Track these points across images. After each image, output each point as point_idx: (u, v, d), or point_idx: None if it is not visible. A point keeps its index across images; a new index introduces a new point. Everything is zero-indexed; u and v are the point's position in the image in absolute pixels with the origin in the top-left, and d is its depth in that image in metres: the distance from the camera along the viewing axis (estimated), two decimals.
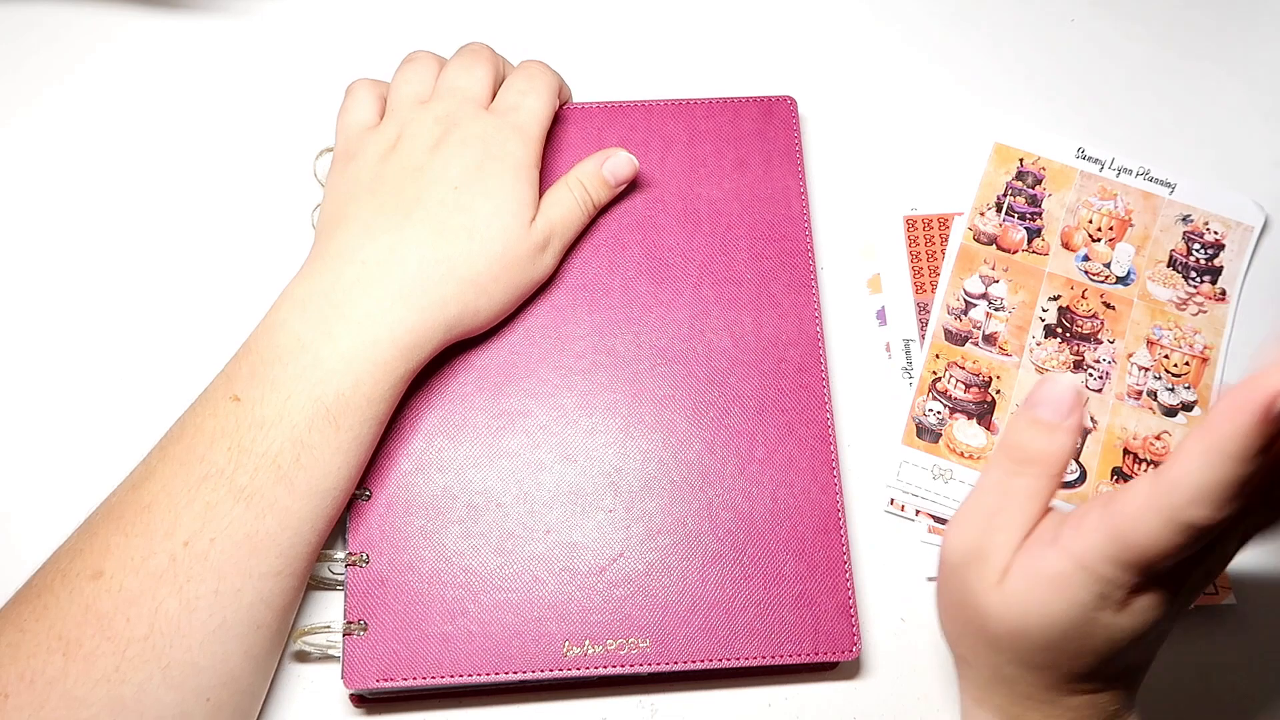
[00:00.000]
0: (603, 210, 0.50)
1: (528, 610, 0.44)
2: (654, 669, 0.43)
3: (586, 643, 0.43)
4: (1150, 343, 0.51)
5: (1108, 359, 0.51)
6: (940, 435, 0.49)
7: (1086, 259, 0.52)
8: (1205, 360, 0.51)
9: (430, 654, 0.43)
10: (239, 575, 0.40)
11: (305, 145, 0.53)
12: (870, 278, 0.53)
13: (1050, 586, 0.33)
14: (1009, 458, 0.34)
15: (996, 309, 0.51)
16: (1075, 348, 0.51)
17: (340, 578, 0.45)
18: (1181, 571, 0.33)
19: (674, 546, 0.45)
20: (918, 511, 0.49)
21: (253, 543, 0.40)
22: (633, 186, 0.51)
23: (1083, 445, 0.50)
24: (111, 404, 0.50)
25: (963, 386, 0.50)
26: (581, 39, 0.57)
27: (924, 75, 0.56)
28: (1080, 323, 0.51)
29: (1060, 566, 0.32)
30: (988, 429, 0.49)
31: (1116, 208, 0.53)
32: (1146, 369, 0.51)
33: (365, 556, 0.45)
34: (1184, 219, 0.53)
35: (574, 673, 0.43)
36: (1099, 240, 0.52)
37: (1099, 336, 0.51)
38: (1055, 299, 0.52)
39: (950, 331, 0.51)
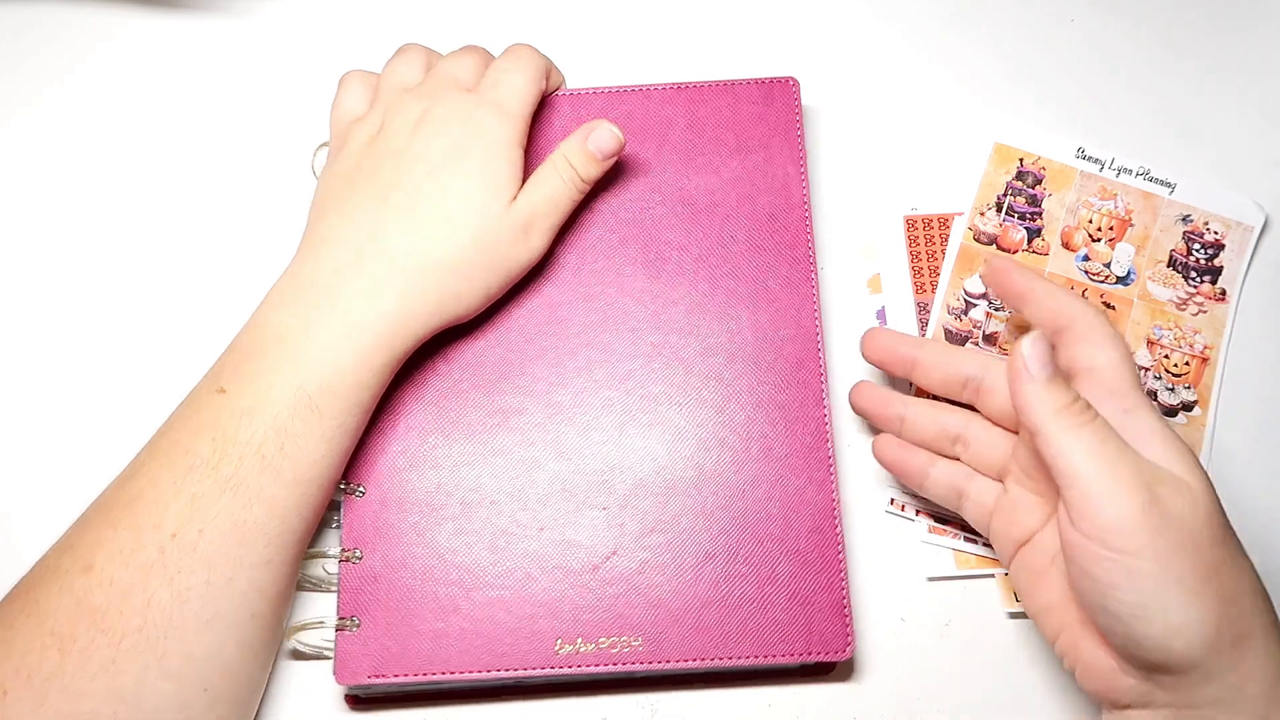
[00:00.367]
0: (596, 194, 0.49)
1: (520, 607, 0.44)
2: (646, 667, 0.43)
3: (579, 640, 0.43)
4: (1150, 343, 0.51)
5: None
6: None
7: (1086, 259, 0.52)
8: (1205, 360, 0.51)
9: (422, 651, 0.43)
10: (229, 565, 0.40)
11: (305, 143, 0.53)
12: (870, 278, 0.52)
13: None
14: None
15: (997, 309, 0.51)
16: None
17: (334, 576, 0.45)
18: None
19: (667, 545, 0.45)
20: (918, 511, 0.49)
21: (241, 532, 0.40)
22: (629, 177, 0.50)
23: None
24: (111, 402, 0.50)
25: None
26: (579, 25, 0.57)
27: (924, 75, 0.56)
28: None
29: None
30: None
31: (1116, 208, 0.53)
32: (1146, 369, 0.51)
33: (358, 553, 0.45)
34: (1184, 219, 0.53)
35: (566, 670, 0.43)
36: (1099, 240, 0.52)
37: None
38: None
39: (950, 331, 0.51)
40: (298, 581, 0.45)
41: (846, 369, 0.51)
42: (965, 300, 0.51)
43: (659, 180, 0.50)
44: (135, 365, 0.51)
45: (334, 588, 0.45)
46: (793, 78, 0.51)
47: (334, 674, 0.43)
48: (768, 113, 0.51)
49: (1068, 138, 0.54)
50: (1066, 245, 0.52)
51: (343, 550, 0.45)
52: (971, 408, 0.46)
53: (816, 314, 0.48)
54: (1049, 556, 0.42)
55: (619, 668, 0.43)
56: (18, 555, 0.42)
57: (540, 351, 0.47)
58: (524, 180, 0.46)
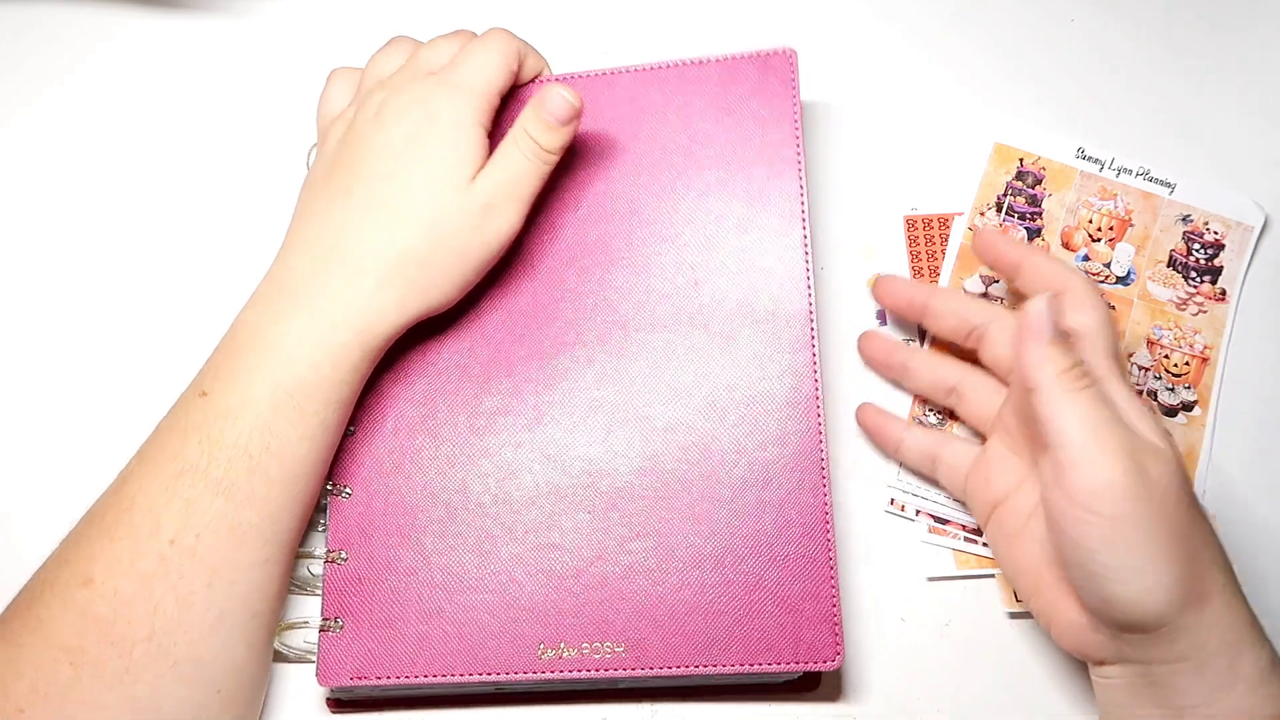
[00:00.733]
0: (585, 183, 0.48)
1: (503, 612, 0.43)
2: (629, 674, 0.42)
3: (561, 645, 0.43)
4: (1150, 343, 0.51)
5: None
6: None
7: (1086, 259, 0.52)
8: (1205, 360, 0.51)
9: (405, 653, 0.43)
10: (230, 568, 0.40)
11: (303, 143, 0.53)
12: (870, 278, 0.52)
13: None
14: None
15: None
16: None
17: (318, 578, 0.45)
18: None
19: (653, 550, 0.43)
20: (918, 511, 0.49)
21: (237, 534, 0.40)
22: (620, 164, 0.48)
23: None
24: (110, 402, 0.50)
25: None
26: (576, 14, 0.57)
27: (924, 75, 0.56)
28: None
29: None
30: None
31: (1116, 208, 0.53)
32: (1146, 369, 0.51)
33: (343, 554, 0.45)
34: (1184, 219, 0.53)
35: (548, 676, 0.42)
36: (1099, 240, 0.52)
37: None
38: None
39: None
40: None
41: (844, 366, 0.51)
42: None
43: (650, 166, 0.48)
44: (135, 365, 0.51)
45: (318, 590, 0.45)
46: (790, 49, 0.49)
47: (316, 675, 0.43)
48: (763, 90, 0.48)
49: (1068, 138, 0.54)
50: (1066, 245, 0.52)
51: (328, 552, 0.45)
52: (973, 358, 0.47)
53: (811, 307, 0.46)
54: (1024, 517, 0.43)
55: (601, 674, 0.42)
56: (18, 555, 0.42)
57: (528, 351, 0.46)
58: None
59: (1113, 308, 0.51)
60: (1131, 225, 0.53)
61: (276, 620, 0.44)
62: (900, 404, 0.50)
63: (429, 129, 0.44)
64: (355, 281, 0.43)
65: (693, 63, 0.49)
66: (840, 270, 0.53)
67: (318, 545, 0.46)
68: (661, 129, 0.48)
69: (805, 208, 0.47)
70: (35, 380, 0.51)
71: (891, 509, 0.49)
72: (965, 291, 0.50)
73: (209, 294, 0.52)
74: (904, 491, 0.49)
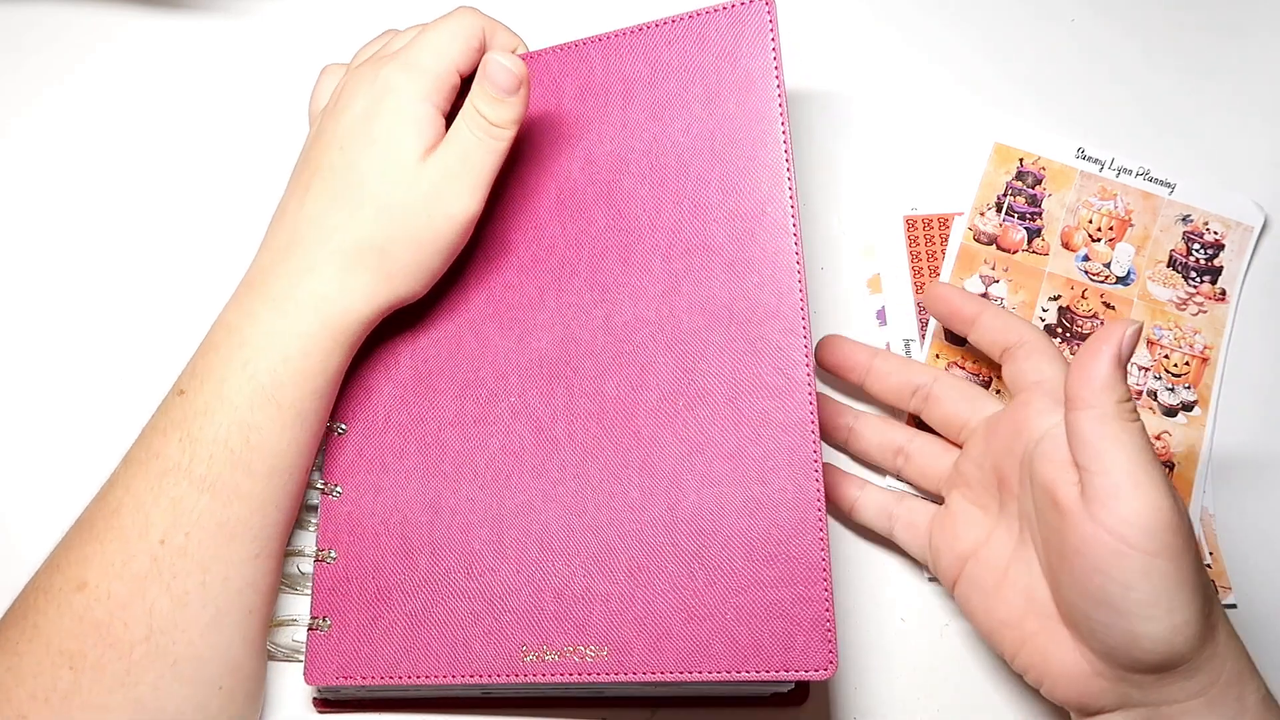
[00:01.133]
0: (564, 167, 0.46)
1: (489, 614, 0.42)
2: (612, 678, 0.41)
3: (544, 648, 0.41)
4: (1150, 343, 0.51)
5: None
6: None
7: (1086, 259, 0.52)
8: (1205, 360, 0.51)
9: (390, 655, 0.43)
10: (221, 564, 0.40)
11: (301, 143, 0.53)
12: (870, 278, 0.52)
13: None
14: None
15: None
16: (1075, 347, 0.51)
17: (307, 576, 0.45)
18: None
19: (639, 552, 0.41)
20: None
21: (226, 531, 0.40)
22: (597, 143, 0.46)
23: None
24: (110, 401, 0.50)
25: None
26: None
27: (924, 75, 0.56)
28: (1080, 323, 0.51)
29: None
30: None
31: (1116, 208, 0.53)
32: (1146, 369, 0.51)
33: (332, 553, 0.44)
34: (1184, 219, 0.53)
35: (531, 679, 0.41)
36: (1099, 240, 0.52)
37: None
38: (1055, 299, 0.52)
39: (950, 331, 0.51)
40: None
41: None
42: None
43: (627, 146, 0.45)
44: (135, 365, 0.51)
45: (308, 588, 0.45)
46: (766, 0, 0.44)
47: (304, 674, 0.43)
48: (738, 49, 0.44)
49: (1068, 138, 0.54)
50: (1066, 245, 0.52)
51: (317, 550, 0.45)
52: (916, 419, 0.48)
53: (802, 296, 0.42)
54: (1001, 568, 0.42)
55: (584, 678, 0.41)
56: (18, 557, 0.42)
57: (515, 345, 0.45)
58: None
59: (1112, 308, 0.51)
60: (1131, 225, 0.53)
61: (270, 616, 0.44)
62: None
63: (377, 108, 0.43)
64: (316, 270, 0.42)
65: (663, 23, 0.45)
66: (840, 270, 0.53)
67: (308, 544, 0.46)
68: (635, 101, 0.46)
69: (791, 174, 0.43)
70: (35, 380, 0.51)
71: None
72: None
73: (209, 294, 0.52)
74: (904, 491, 0.49)
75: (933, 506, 0.46)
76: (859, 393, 0.50)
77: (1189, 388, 0.51)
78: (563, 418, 0.44)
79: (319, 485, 0.45)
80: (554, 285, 0.45)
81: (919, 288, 0.52)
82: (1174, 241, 0.52)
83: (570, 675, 0.41)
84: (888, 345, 0.51)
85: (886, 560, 0.48)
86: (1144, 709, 0.38)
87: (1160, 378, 0.51)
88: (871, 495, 0.47)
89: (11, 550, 0.47)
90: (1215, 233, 0.52)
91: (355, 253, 0.42)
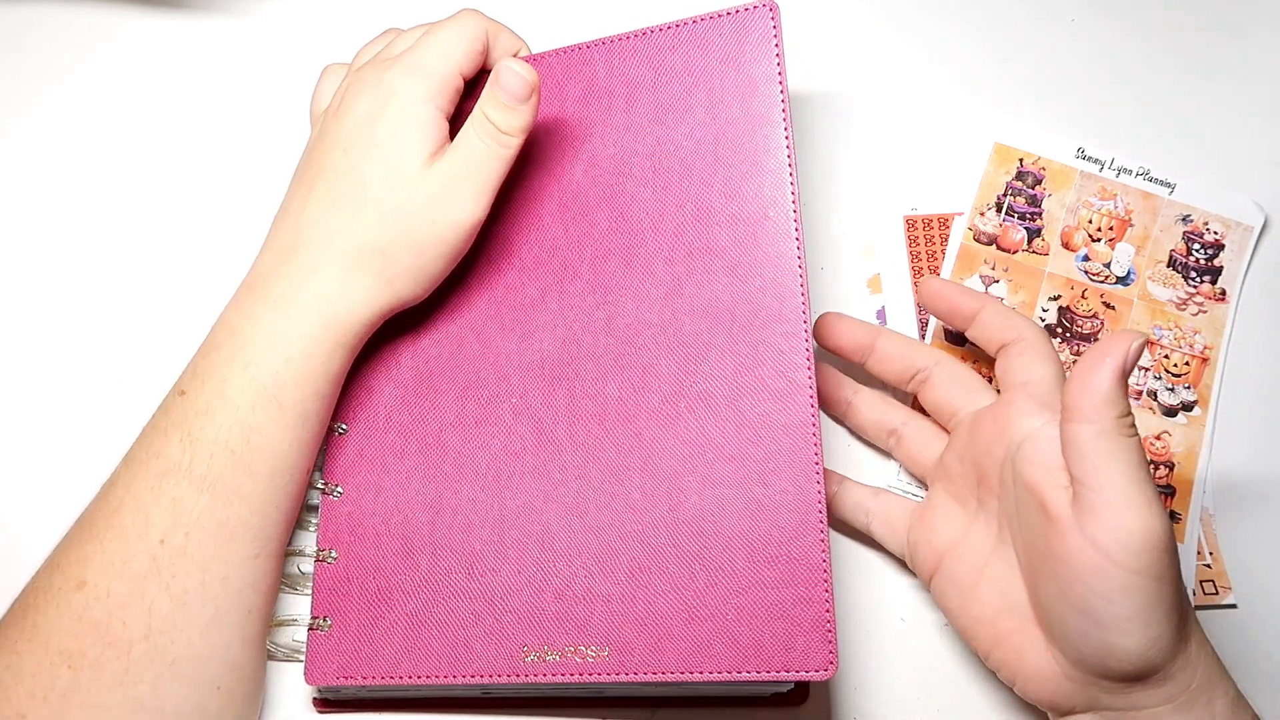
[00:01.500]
0: (567, 170, 0.46)
1: (490, 614, 0.42)
2: (613, 679, 0.41)
3: (545, 648, 0.41)
4: (1150, 342, 0.51)
5: None
6: None
7: (1086, 259, 0.52)
8: (1205, 360, 0.51)
9: (390, 655, 0.43)
10: (221, 564, 0.40)
11: (302, 144, 0.53)
12: (870, 278, 0.52)
13: None
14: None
15: None
16: (1075, 347, 0.51)
17: (308, 576, 0.45)
18: None
19: (640, 553, 0.41)
20: None
21: (226, 531, 0.40)
22: (600, 147, 0.46)
23: None
24: (110, 401, 0.50)
25: None
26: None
27: (924, 75, 0.56)
28: (1080, 322, 0.51)
29: None
30: None
31: (1116, 208, 0.53)
32: (1146, 369, 0.51)
33: (333, 553, 0.44)
34: (1184, 219, 0.53)
35: (532, 680, 0.41)
36: (1099, 240, 0.52)
37: (1099, 336, 0.51)
38: (1055, 299, 0.52)
39: (950, 331, 0.51)
40: None
41: (840, 363, 0.50)
42: None
43: (630, 149, 0.45)
44: (136, 365, 0.51)
45: (308, 589, 0.45)
46: (770, 2, 0.44)
47: (304, 674, 0.43)
48: (741, 53, 0.44)
49: (1068, 138, 0.54)
50: (1066, 245, 0.52)
51: (318, 550, 0.45)
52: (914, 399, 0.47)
53: (804, 297, 0.42)
54: (978, 565, 0.42)
55: (585, 678, 0.41)
56: (18, 557, 0.42)
57: (517, 346, 0.45)
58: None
59: (1112, 308, 0.51)
60: (1131, 225, 0.53)
61: (270, 616, 0.44)
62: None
63: (380, 111, 0.42)
64: (318, 272, 0.42)
65: (667, 27, 0.46)
66: (840, 270, 0.53)
67: (308, 544, 0.46)
68: (638, 105, 0.46)
69: (794, 178, 0.43)
70: (35, 381, 0.51)
71: None
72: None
73: (209, 294, 0.52)
74: (905, 490, 0.49)
75: (909, 502, 0.46)
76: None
77: (1189, 388, 0.51)
78: (564, 419, 0.44)
79: (319, 485, 0.45)
80: (556, 287, 0.45)
81: (917, 297, 0.52)
82: (1174, 241, 0.52)
83: (571, 675, 0.41)
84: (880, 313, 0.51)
85: (887, 561, 0.48)
86: (1113, 712, 0.39)
87: (1160, 378, 0.51)
88: (849, 491, 0.47)
89: (11, 550, 0.47)
90: (1215, 233, 0.52)
91: (358, 255, 0.42)
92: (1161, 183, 0.53)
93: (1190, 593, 0.48)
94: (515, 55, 0.47)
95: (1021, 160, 0.54)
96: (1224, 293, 0.52)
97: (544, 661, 0.41)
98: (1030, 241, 0.52)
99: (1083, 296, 0.52)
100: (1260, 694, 0.46)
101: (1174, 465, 0.50)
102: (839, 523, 0.48)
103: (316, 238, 0.42)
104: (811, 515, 0.40)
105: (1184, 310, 0.52)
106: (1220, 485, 0.50)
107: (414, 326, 0.46)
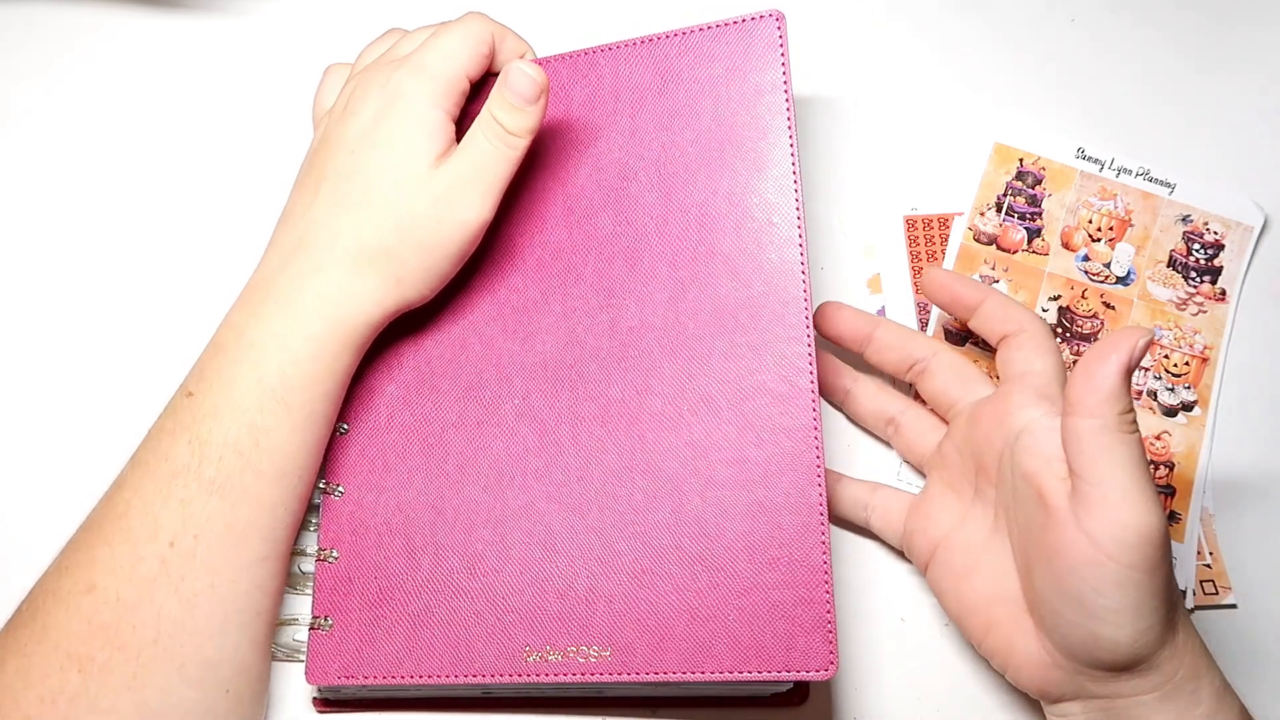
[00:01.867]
0: (572, 173, 0.46)
1: (491, 614, 0.42)
2: (614, 679, 0.41)
3: (546, 648, 0.41)
4: (1151, 342, 0.51)
5: None
6: None
7: (1086, 259, 0.52)
8: (1205, 360, 0.51)
9: (392, 654, 0.43)
10: (231, 567, 0.40)
11: (302, 143, 0.53)
12: (870, 278, 0.52)
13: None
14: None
15: None
16: (1075, 347, 0.51)
17: (308, 576, 0.45)
18: None
19: (642, 553, 0.42)
20: None
21: (235, 533, 0.40)
22: (605, 151, 0.46)
23: None
24: (115, 406, 0.50)
25: None
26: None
27: (925, 75, 0.56)
28: (1080, 322, 0.51)
29: None
30: None
31: (1116, 208, 0.53)
32: (1146, 369, 0.51)
33: (334, 553, 0.44)
34: (1184, 219, 0.53)
35: (534, 679, 0.41)
36: (1099, 240, 0.52)
37: (1099, 336, 0.51)
38: (1055, 299, 0.52)
39: (950, 331, 0.51)
40: None
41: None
42: None
43: (636, 154, 0.46)
44: (135, 367, 0.51)
45: (309, 588, 0.45)
46: (777, 12, 0.44)
47: (305, 674, 0.43)
48: (747, 62, 0.45)
49: (1068, 138, 0.54)
50: (1066, 245, 0.52)
51: (319, 550, 0.45)
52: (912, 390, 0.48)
53: (806, 297, 0.42)
54: (974, 553, 0.43)
55: (587, 678, 0.41)
56: (26, 557, 0.42)
57: (519, 346, 0.45)
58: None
59: (1112, 308, 0.51)
60: (1131, 225, 0.53)
61: (277, 617, 0.44)
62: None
63: (387, 113, 0.42)
64: (324, 273, 0.42)
65: (674, 35, 0.46)
66: (840, 270, 0.53)
67: (310, 543, 0.46)
68: (644, 110, 0.46)
69: (798, 185, 0.44)
70: (38, 383, 0.51)
71: None
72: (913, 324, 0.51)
73: (210, 295, 0.52)
74: (905, 490, 0.49)
75: (906, 495, 0.47)
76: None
77: (1189, 387, 0.51)
78: (567, 420, 0.44)
79: (321, 485, 0.45)
80: (560, 289, 0.45)
81: (919, 287, 0.52)
82: (1174, 241, 0.52)
83: (573, 675, 0.41)
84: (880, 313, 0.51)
85: (887, 560, 0.48)
86: (1100, 700, 0.39)
87: (1160, 377, 0.51)
88: (847, 489, 0.47)
89: (20, 552, 0.47)
90: (1215, 233, 0.52)
91: (364, 256, 0.42)
92: (1161, 183, 0.53)
93: (1190, 592, 0.48)
94: (521, 58, 0.47)
95: (1021, 160, 0.54)
96: (1224, 293, 0.52)
97: (545, 661, 0.41)
98: (1030, 241, 0.52)
99: (1083, 296, 0.52)
100: (1260, 694, 0.46)
101: (1174, 465, 0.50)
102: (838, 519, 0.48)
103: (322, 239, 0.42)
104: (813, 517, 0.40)
105: (1184, 310, 0.52)
106: (1220, 485, 0.50)
107: (416, 327, 0.46)
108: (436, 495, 0.44)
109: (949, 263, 0.52)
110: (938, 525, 0.44)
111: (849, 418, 0.50)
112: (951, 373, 0.46)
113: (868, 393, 0.48)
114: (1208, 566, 0.48)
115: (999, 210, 0.53)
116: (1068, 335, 0.51)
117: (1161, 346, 0.51)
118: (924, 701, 0.47)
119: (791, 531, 0.40)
